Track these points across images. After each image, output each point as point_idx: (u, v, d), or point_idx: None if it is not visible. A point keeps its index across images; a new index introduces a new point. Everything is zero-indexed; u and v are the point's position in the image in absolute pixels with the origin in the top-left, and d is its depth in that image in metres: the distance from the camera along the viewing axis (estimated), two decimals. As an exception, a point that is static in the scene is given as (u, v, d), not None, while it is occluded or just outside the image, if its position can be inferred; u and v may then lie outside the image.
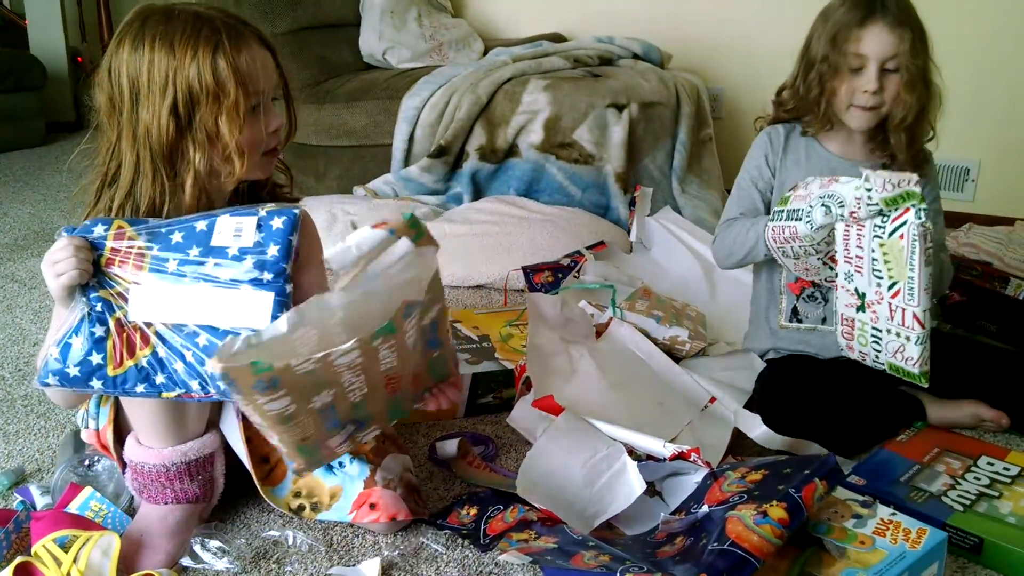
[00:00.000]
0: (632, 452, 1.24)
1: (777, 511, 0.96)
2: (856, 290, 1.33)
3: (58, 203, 2.92)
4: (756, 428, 1.40)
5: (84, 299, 1.05)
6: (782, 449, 1.38)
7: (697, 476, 1.19)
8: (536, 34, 3.33)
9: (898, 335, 1.29)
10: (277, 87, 1.18)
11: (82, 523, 1.11)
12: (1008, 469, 1.30)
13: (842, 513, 1.07)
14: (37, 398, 1.59)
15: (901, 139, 1.44)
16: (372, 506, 1.16)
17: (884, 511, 1.07)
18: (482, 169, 2.69)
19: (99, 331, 1.04)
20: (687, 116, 2.76)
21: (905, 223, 1.22)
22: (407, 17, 3.18)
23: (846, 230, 1.29)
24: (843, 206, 1.26)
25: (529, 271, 2.11)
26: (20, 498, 1.24)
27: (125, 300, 1.05)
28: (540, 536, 1.10)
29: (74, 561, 1.04)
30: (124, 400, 1.13)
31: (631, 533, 1.17)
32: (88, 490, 1.18)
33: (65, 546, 1.07)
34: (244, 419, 1.16)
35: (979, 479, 1.27)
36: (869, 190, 1.23)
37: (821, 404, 1.40)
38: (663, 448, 1.22)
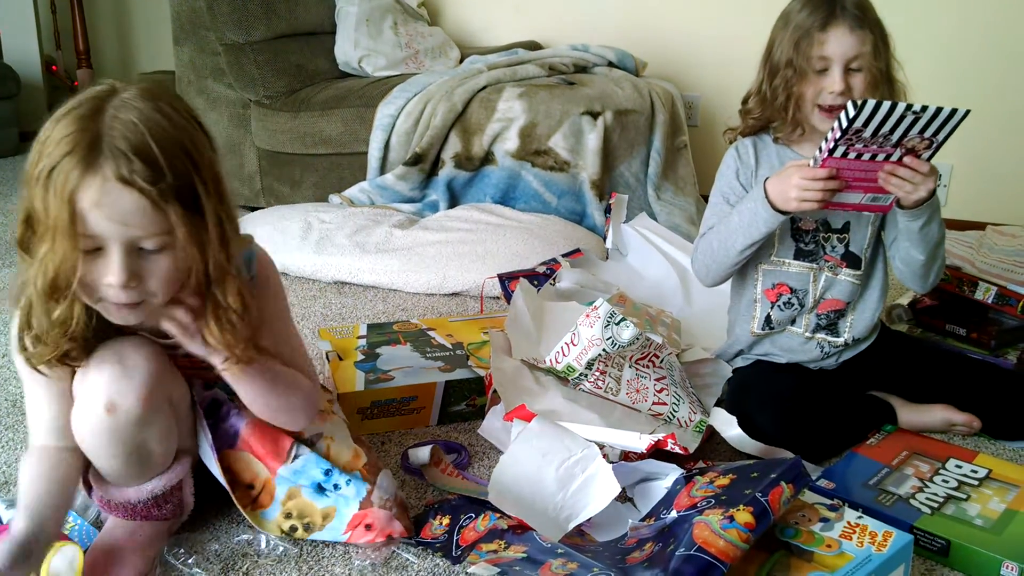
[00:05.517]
0: (604, 457, 1.24)
1: (744, 515, 0.97)
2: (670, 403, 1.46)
3: (31, 213, 2.89)
4: (731, 429, 1.40)
5: None
6: (754, 454, 1.39)
7: (667, 481, 1.19)
8: (512, 42, 3.34)
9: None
10: (155, 235, 0.94)
11: (45, 536, 1.10)
12: (976, 472, 1.31)
13: (809, 516, 1.08)
14: (5, 410, 1.57)
15: None
16: (368, 527, 1.15)
17: (851, 514, 1.08)
18: (458, 177, 2.70)
19: None
20: (662, 123, 2.77)
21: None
22: (383, 25, 3.18)
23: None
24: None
25: (505, 279, 2.10)
26: (-16, 512, 1.22)
27: None
28: (510, 546, 1.10)
29: (36, 572, 1.03)
30: (81, 442, 1.06)
31: (602, 540, 1.17)
32: (55, 503, 1.16)
33: (29, 559, 1.05)
34: (220, 451, 1.16)
35: (947, 482, 1.28)
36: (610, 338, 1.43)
37: (792, 410, 1.41)
38: (639, 440, 1.22)
